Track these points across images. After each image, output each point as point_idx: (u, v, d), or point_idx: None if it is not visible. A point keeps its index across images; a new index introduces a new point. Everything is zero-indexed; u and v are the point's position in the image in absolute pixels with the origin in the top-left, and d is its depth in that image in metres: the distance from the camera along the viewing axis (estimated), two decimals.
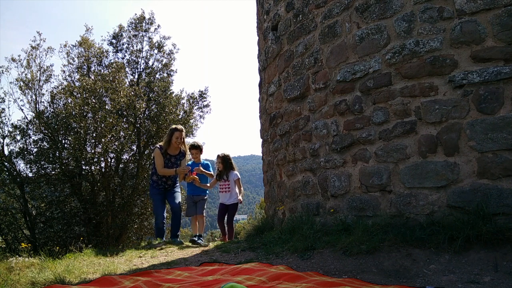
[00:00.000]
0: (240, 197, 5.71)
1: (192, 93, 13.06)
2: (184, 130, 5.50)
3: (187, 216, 5.84)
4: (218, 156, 5.77)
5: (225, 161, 5.68)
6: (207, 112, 13.29)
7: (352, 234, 3.20)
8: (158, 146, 5.51)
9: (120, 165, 11.56)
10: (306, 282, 2.27)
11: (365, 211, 3.50)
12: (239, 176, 5.76)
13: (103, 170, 11.11)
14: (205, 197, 5.68)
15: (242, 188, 5.80)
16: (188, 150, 5.67)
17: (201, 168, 5.49)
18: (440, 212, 3.04)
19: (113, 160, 11.47)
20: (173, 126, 5.54)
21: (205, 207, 5.71)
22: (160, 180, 5.40)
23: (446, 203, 3.03)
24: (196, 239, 5.18)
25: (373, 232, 3.12)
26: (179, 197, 5.56)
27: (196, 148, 5.74)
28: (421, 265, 2.60)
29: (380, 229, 3.13)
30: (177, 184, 5.63)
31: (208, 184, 5.69)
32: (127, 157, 11.67)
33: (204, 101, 13.22)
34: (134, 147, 11.73)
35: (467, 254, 2.65)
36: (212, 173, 5.62)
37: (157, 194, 5.47)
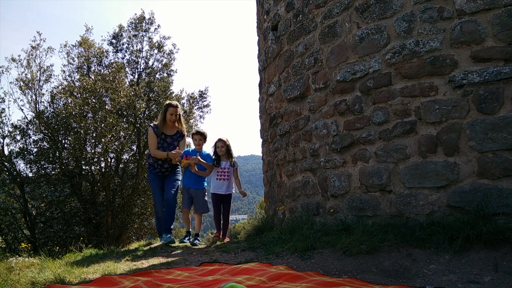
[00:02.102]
0: (242, 189, 5.30)
1: (192, 93, 13.09)
2: (179, 106, 4.97)
3: (182, 209, 5.20)
4: (221, 139, 5.11)
5: (228, 146, 5.09)
6: (207, 112, 13.32)
7: (352, 234, 3.20)
8: (152, 125, 4.93)
9: (120, 165, 11.57)
10: (306, 282, 2.27)
11: (365, 211, 3.50)
12: (238, 165, 5.28)
13: (103, 170, 11.12)
14: (203, 191, 5.09)
15: (239, 179, 5.30)
16: (184, 130, 5.05)
17: (199, 157, 4.91)
18: (440, 212, 3.04)
19: (113, 160, 11.48)
20: (167, 102, 5.02)
21: (206, 200, 5.09)
22: (156, 163, 4.86)
23: (446, 203, 3.03)
24: (188, 240, 4.81)
25: (373, 232, 3.12)
26: (175, 187, 4.97)
27: (201, 135, 5.14)
28: (421, 265, 2.60)
29: (380, 229, 3.13)
30: (178, 170, 5.06)
31: (206, 172, 5.06)
32: (127, 157, 11.69)
33: (204, 101, 13.25)
34: (134, 147, 11.74)
35: (467, 254, 2.65)
36: (212, 164, 5.05)
37: (154, 180, 4.93)
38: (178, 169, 5.03)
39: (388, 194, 3.36)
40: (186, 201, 5.04)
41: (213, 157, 5.16)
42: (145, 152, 10.98)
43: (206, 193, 5.20)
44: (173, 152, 4.73)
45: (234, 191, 5.21)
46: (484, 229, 2.68)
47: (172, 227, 4.95)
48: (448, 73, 3.11)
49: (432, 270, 2.55)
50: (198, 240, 4.83)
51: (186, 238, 4.98)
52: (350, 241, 3.10)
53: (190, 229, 5.15)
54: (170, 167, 4.93)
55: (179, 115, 4.91)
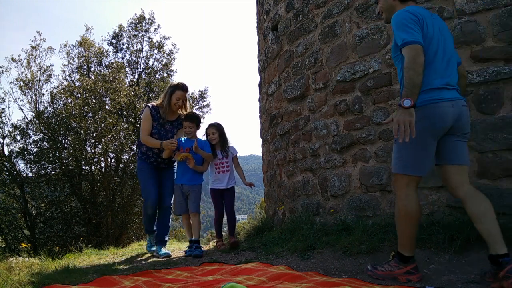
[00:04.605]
0: (247, 181, 4.38)
1: (192, 93, 13.11)
2: (188, 91, 4.16)
3: (176, 215, 4.20)
4: (212, 125, 4.22)
5: (221, 131, 4.20)
6: (207, 112, 13.35)
7: (352, 234, 3.20)
8: (149, 105, 4.05)
9: (120, 165, 11.57)
10: (306, 282, 2.27)
11: (365, 211, 3.50)
12: (237, 151, 4.35)
13: (103, 170, 11.12)
14: (200, 186, 4.18)
15: (241, 168, 4.37)
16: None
17: (197, 146, 3.99)
18: (440, 212, 3.04)
19: (113, 160, 11.48)
20: (175, 83, 4.12)
21: (200, 199, 4.18)
22: (151, 151, 4.01)
23: (446, 203, 3.03)
24: (192, 251, 3.92)
25: (373, 232, 3.12)
26: (172, 192, 4.20)
27: (191, 120, 4.09)
28: (421, 265, 2.59)
29: (380, 229, 3.13)
30: (175, 165, 4.26)
31: (203, 166, 4.17)
32: (127, 157, 11.69)
33: (204, 101, 13.30)
34: (134, 147, 11.74)
35: (467, 254, 2.65)
36: (211, 154, 4.14)
37: (147, 169, 4.05)
38: (174, 165, 4.27)
39: (388, 194, 3.36)
40: (182, 204, 4.11)
41: None
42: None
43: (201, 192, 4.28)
44: (168, 141, 3.88)
45: (236, 184, 4.32)
46: None
47: (166, 238, 4.27)
48: None
49: (432, 270, 2.55)
50: (201, 250, 3.99)
51: (188, 252, 4.00)
52: (350, 241, 3.10)
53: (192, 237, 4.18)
54: (167, 159, 4.11)
55: (186, 100, 4.13)
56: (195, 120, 4.13)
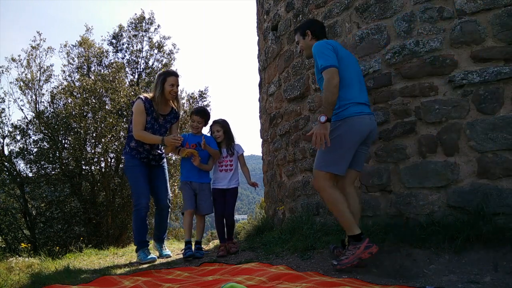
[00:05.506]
0: (252, 180, 4.07)
1: (192, 93, 13.12)
2: (179, 77, 3.90)
3: (183, 211, 3.93)
4: (216, 122, 4.02)
5: (226, 128, 4.01)
6: None
7: None
8: (141, 97, 3.71)
9: (120, 165, 11.57)
10: (306, 282, 2.27)
11: (365, 211, 3.49)
12: (244, 150, 4.14)
13: (103, 170, 11.12)
14: (209, 185, 3.99)
15: (247, 168, 4.19)
16: (180, 109, 4.05)
17: (205, 142, 3.80)
18: (440, 212, 3.04)
19: (113, 160, 11.47)
20: (163, 71, 3.91)
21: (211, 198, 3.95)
22: (142, 147, 3.72)
23: (446, 203, 3.03)
24: (192, 252, 3.72)
25: (373, 232, 3.12)
26: (168, 189, 4.05)
27: (202, 116, 3.94)
28: (421, 265, 2.60)
29: (380, 229, 3.13)
30: (165, 161, 4.07)
31: (208, 164, 3.98)
32: None
33: (204, 101, 13.29)
34: None
35: (467, 254, 2.65)
36: (218, 151, 3.95)
37: (137, 167, 3.74)
38: (165, 160, 4.08)
39: (388, 194, 3.36)
40: (189, 200, 3.86)
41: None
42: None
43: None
44: (171, 137, 3.63)
45: (240, 185, 4.08)
46: (484, 229, 2.68)
47: (164, 237, 4.16)
48: (448, 73, 3.11)
49: (432, 270, 2.55)
50: (202, 252, 3.83)
51: (188, 252, 3.71)
52: None
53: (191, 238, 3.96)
54: (158, 155, 3.90)
55: (178, 87, 3.86)
56: (205, 116, 3.98)
